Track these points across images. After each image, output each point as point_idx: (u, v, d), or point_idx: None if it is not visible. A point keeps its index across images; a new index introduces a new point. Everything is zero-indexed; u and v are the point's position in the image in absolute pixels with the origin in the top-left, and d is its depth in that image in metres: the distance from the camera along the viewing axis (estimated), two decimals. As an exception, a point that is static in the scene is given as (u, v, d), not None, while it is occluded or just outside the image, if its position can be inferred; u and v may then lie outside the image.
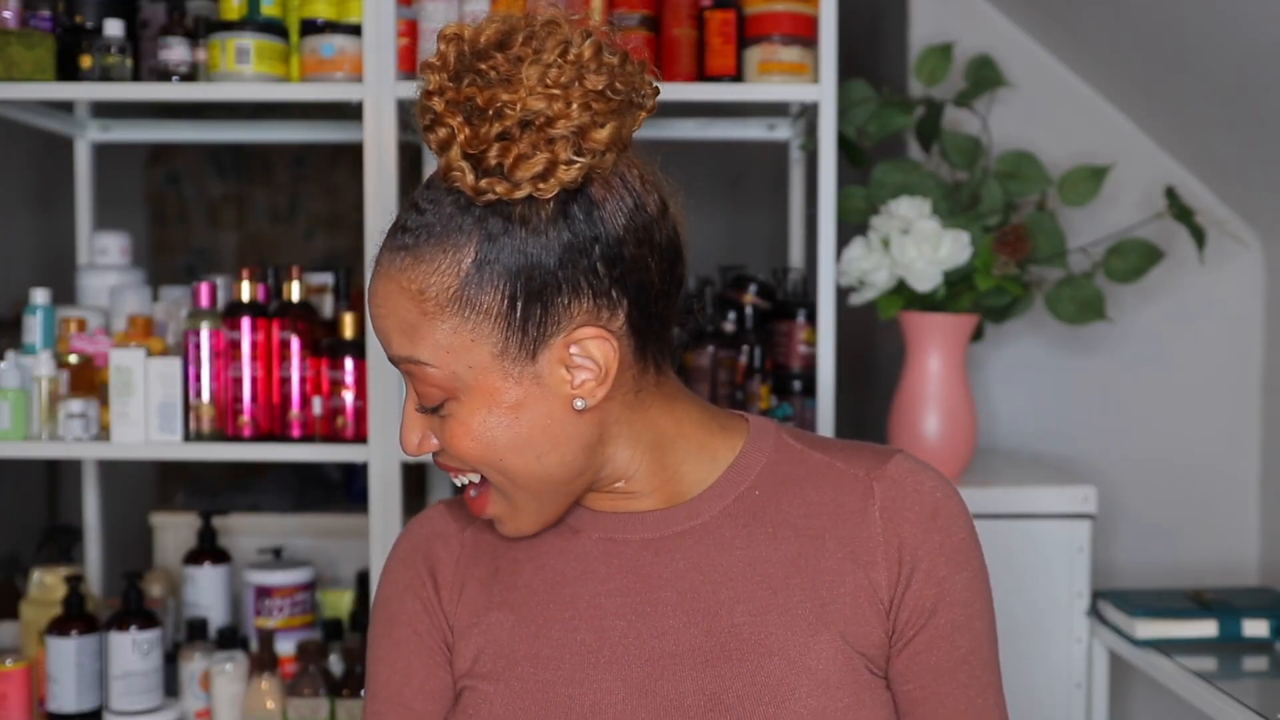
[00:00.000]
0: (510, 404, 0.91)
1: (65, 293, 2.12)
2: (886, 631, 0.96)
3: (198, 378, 1.83)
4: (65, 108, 2.11)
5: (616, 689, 0.95)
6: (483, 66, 0.88)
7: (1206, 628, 1.85)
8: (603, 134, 0.88)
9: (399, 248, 0.91)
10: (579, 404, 0.92)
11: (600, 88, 0.88)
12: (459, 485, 0.98)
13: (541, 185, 0.87)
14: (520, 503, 0.95)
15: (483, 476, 0.96)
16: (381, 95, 1.79)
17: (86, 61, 1.82)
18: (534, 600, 0.99)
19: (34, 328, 1.87)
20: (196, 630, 1.98)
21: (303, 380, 1.86)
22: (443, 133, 0.88)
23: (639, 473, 0.98)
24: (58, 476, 3.55)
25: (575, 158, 0.88)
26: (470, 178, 0.88)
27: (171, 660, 1.96)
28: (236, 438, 1.85)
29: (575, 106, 0.87)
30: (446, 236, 0.89)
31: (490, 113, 0.87)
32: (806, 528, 0.97)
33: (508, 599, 0.99)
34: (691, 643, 0.95)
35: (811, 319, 1.97)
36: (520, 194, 0.88)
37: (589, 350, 0.91)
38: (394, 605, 1.04)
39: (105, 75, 1.82)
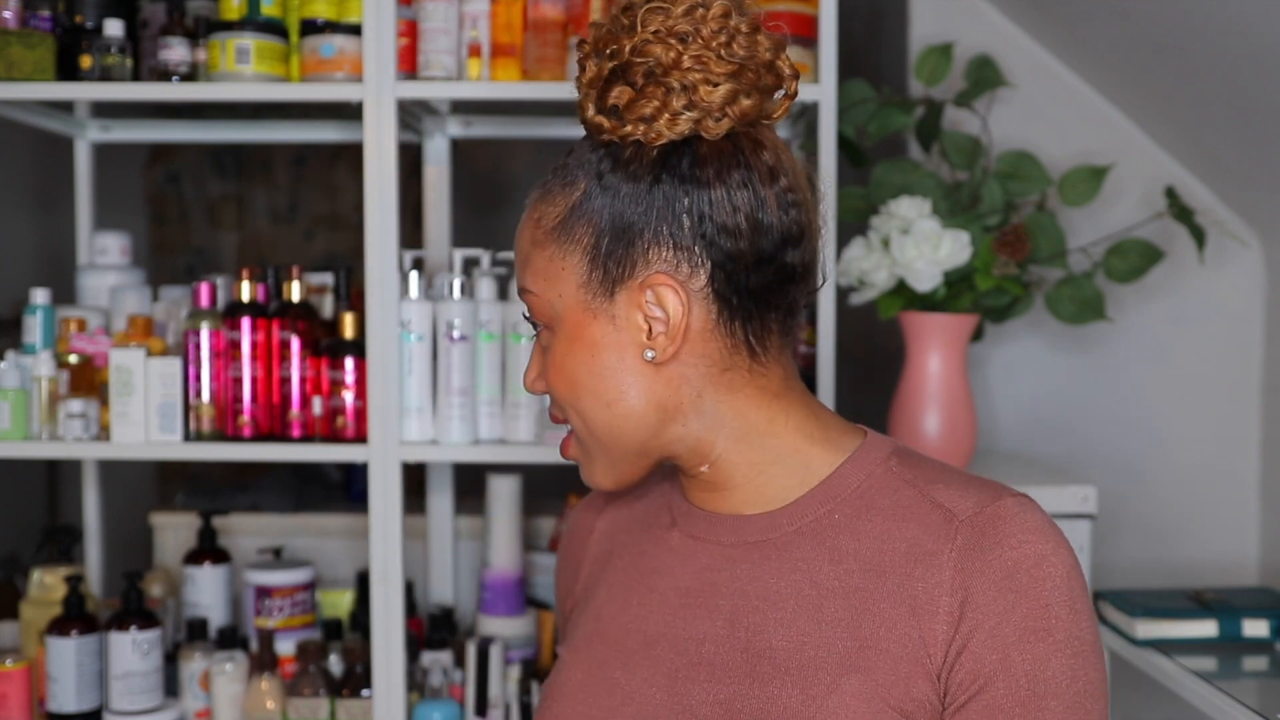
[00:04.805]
0: (589, 341, 0.94)
1: (65, 293, 2.11)
2: (938, 692, 0.88)
3: (198, 378, 1.83)
4: (65, 108, 2.11)
5: (656, 681, 0.96)
6: (623, 17, 0.93)
7: (1206, 628, 1.85)
8: (715, 93, 0.91)
9: (539, 185, 0.97)
10: (649, 354, 0.93)
11: (715, 45, 0.91)
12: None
13: (647, 129, 0.91)
14: (592, 452, 0.98)
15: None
16: (381, 95, 1.79)
17: (86, 61, 1.82)
18: (625, 583, 1.03)
19: (34, 328, 1.87)
20: (196, 630, 1.98)
21: (303, 380, 1.86)
22: (583, 72, 0.95)
23: (721, 461, 0.97)
24: (58, 476, 3.55)
25: (684, 110, 0.91)
26: (590, 111, 0.94)
27: (171, 660, 1.97)
28: (236, 438, 1.85)
29: (688, 58, 0.90)
30: (570, 173, 0.95)
31: (613, 53, 0.92)
32: (874, 563, 0.92)
33: (607, 579, 1.05)
34: (727, 655, 0.94)
35: (811, 319, 1.97)
36: (627, 132, 0.92)
37: (662, 298, 0.92)
38: (556, 581, 1.16)
39: (105, 75, 1.82)
